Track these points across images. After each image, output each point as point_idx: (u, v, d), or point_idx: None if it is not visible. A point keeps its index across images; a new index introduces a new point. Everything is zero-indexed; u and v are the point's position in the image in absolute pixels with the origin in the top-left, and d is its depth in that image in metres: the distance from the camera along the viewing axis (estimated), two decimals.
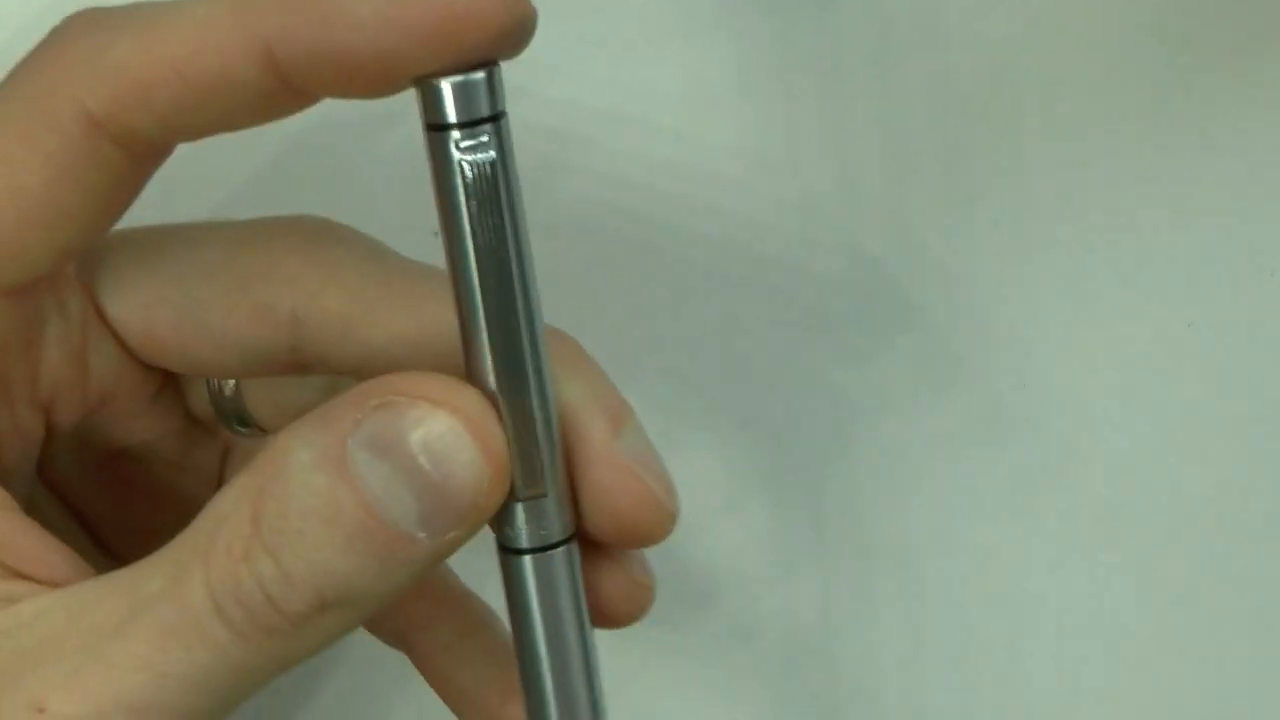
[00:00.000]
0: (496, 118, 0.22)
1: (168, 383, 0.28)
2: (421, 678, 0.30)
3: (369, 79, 0.22)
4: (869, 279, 0.36)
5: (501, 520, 0.24)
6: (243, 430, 0.29)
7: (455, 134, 0.22)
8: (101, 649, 0.22)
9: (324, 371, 0.27)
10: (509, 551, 0.24)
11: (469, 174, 0.22)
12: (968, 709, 0.37)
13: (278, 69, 0.22)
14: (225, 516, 0.22)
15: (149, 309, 0.26)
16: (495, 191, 0.22)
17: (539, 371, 0.23)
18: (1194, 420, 0.34)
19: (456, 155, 0.22)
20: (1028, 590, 0.36)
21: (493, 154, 0.22)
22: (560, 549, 0.24)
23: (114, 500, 0.29)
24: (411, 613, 0.29)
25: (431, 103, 0.22)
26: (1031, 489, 0.35)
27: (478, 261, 0.22)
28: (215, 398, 0.28)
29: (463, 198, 0.22)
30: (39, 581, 0.23)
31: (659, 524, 0.24)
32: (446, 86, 0.22)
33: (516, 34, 0.22)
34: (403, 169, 0.32)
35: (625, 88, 0.34)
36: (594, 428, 0.24)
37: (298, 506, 0.22)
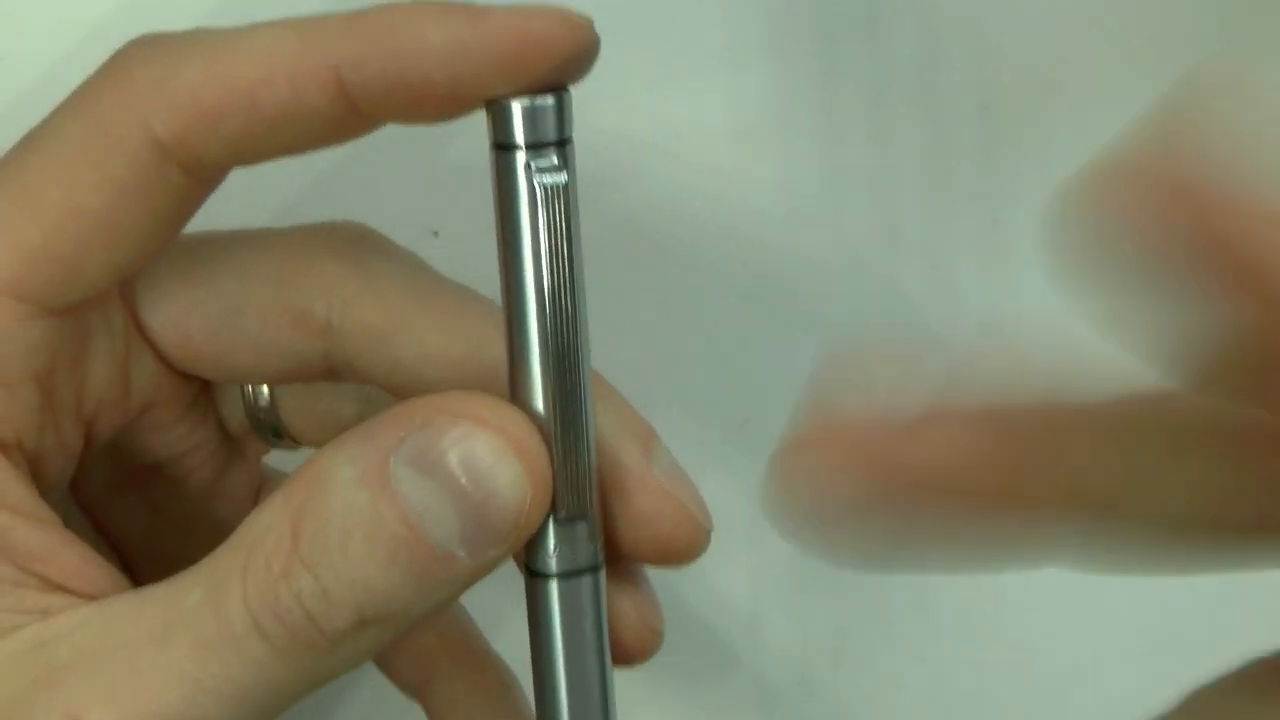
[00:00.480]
0: (564, 142, 0.22)
1: (202, 395, 0.28)
2: None
3: (439, 104, 0.22)
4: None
5: (533, 543, 0.24)
6: (277, 442, 0.29)
7: (523, 155, 0.22)
8: (138, 662, 0.22)
9: (354, 380, 0.27)
10: (537, 575, 0.24)
11: (539, 195, 0.22)
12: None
13: (347, 96, 0.22)
14: (264, 532, 0.22)
15: (186, 316, 0.26)
16: (563, 214, 0.22)
17: (587, 396, 0.23)
18: None
19: (526, 176, 0.22)
20: (1040, 603, 0.36)
21: (564, 177, 0.22)
22: (588, 575, 0.24)
23: (146, 525, 0.29)
24: (431, 666, 0.29)
25: (501, 122, 0.22)
26: None
27: (537, 282, 0.22)
28: (250, 409, 0.28)
29: (527, 218, 0.22)
30: (77, 595, 0.23)
31: (698, 542, 0.25)
32: (517, 107, 0.22)
33: (581, 59, 0.22)
34: (402, 168, 0.32)
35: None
36: (627, 453, 0.24)
37: (339, 523, 0.22)
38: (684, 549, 0.25)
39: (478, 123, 0.23)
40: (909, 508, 0.18)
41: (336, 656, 0.22)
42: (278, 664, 0.22)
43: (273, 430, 0.29)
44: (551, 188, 0.22)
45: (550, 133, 0.22)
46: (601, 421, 0.24)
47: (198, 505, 0.29)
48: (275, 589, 0.22)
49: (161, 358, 0.27)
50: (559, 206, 0.22)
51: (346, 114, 0.23)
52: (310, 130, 0.23)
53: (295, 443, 0.29)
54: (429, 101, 0.22)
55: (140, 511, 0.28)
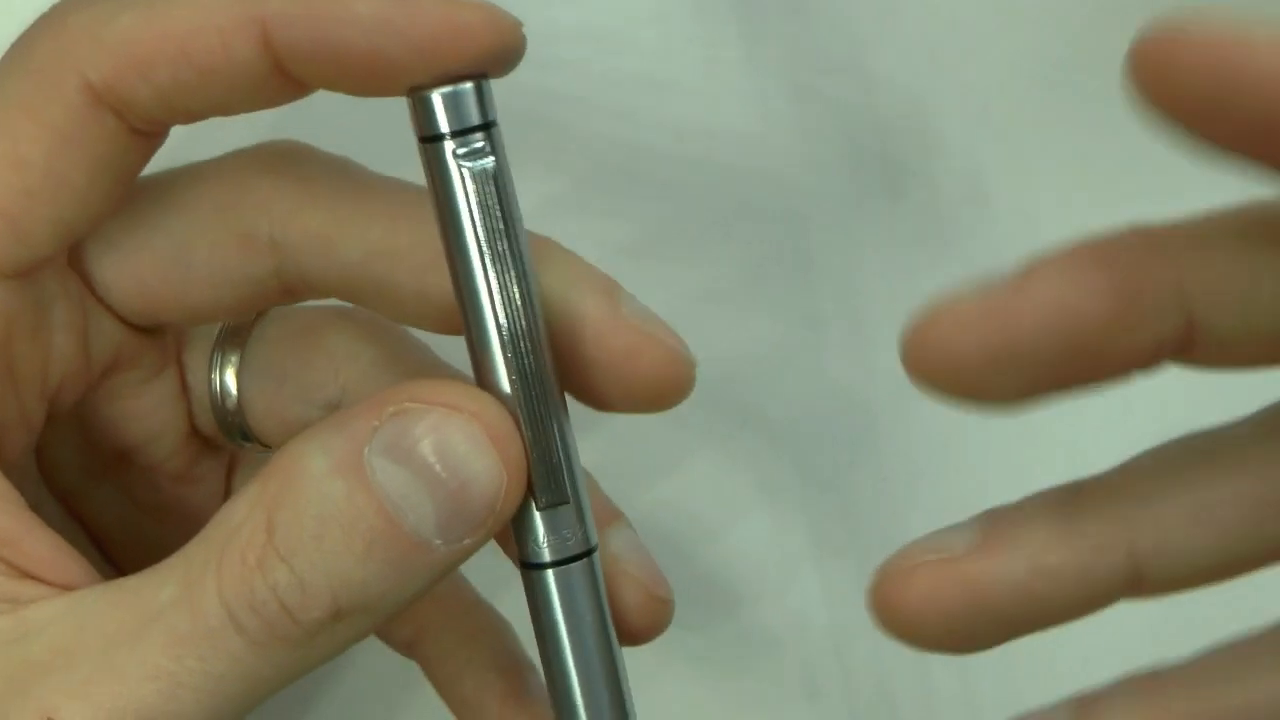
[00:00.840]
0: (488, 126, 0.22)
1: (170, 370, 0.28)
2: (427, 689, 0.30)
3: (360, 77, 0.23)
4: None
5: (523, 535, 0.24)
6: (246, 445, 0.29)
7: (450, 144, 0.22)
8: (113, 658, 0.22)
9: (311, 296, 0.27)
10: (530, 567, 0.24)
11: (469, 182, 0.22)
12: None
13: (274, 54, 0.23)
14: (238, 524, 0.22)
15: (135, 260, 0.26)
16: (496, 197, 0.22)
17: (550, 378, 0.23)
18: (1194, 422, 0.34)
19: (454, 164, 0.22)
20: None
21: (491, 160, 0.22)
22: (581, 561, 0.24)
23: (121, 513, 0.29)
24: (422, 620, 0.29)
25: (424, 114, 0.22)
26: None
27: (483, 268, 0.23)
28: (218, 411, 0.28)
29: (463, 206, 0.22)
30: (47, 583, 0.23)
31: (682, 377, 0.24)
32: (437, 97, 0.22)
33: (504, 57, 0.23)
34: (380, 143, 0.32)
35: None
36: (590, 303, 0.24)
37: (314, 513, 0.22)
38: (668, 386, 0.24)
39: None
40: (1033, 354, 0.19)
41: (314, 648, 0.22)
42: (254, 657, 0.22)
43: (242, 433, 0.29)
44: (481, 172, 0.22)
45: (473, 118, 0.22)
46: (557, 279, 0.24)
47: (172, 494, 0.29)
48: (250, 581, 0.22)
49: (119, 316, 0.26)
50: (491, 190, 0.22)
51: (274, 73, 0.23)
52: (240, 86, 0.23)
53: (265, 446, 0.29)
54: (352, 71, 0.22)
55: (115, 500, 0.28)
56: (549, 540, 0.23)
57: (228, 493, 0.30)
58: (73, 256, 0.26)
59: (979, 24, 0.37)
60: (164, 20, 0.23)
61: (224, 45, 0.23)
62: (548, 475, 0.23)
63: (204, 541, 0.23)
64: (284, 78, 0.23)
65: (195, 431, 0.29)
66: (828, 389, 0.37)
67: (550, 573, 0.24)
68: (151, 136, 0.24)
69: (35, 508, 0.24)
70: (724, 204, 0.37)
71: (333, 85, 0.23)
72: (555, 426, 0.23)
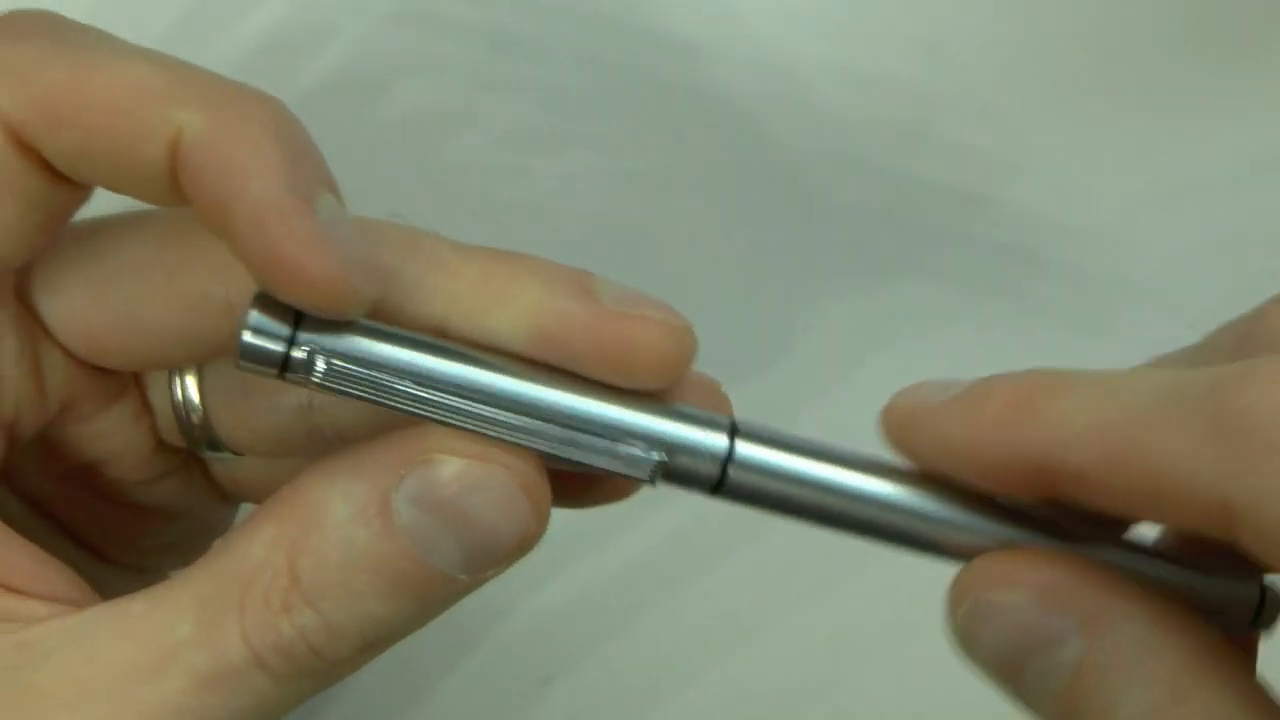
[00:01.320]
0: (294, 333, 0.22)
1: (131, 394, 0.28)
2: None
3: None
4: None
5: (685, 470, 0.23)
6: (215, 455, 0.29)
7: (289, 374, 0.22)
8: (133, 693, 0.22)
9: None
10: (719, 490, 0.23)
11: (327, 381, 0.22)
12: None
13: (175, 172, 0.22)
14: (258, 568, 0.22)
15: (86, 314, 0.26)
16: (357, 370, 0.22)
17: (576, 409, 0.23)
18: None
19: (315, 379, 0.22)
20: None
21: (322, 361, 0.22)
22: (738, 446, 0.23)
23: (88, 509, 0.28)
24: None
25: (256, 360, 0.22)
26: None
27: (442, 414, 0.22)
28: (184, 426, 0.28)
29: (368, 394, 0.22)
30: (34, 597, 0.23)
31: (681, 344, 0.24)
32: (245, 338, 0.22)
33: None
34: (366, 152, 0.31)
35: None
36: (569, 304, 0.23)
37: (338, 559, 0.22)
38: (671, 357, 0.24)
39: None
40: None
41: (335, 675, 0.23)
42: (279, 692, 0.22)
43: (209, 444, 0.28)
44: (326, 366, 0.22)
45: (278, 348, 0.22)
46: (533, 294, 0.24)
47: (143, 493, 0.29)
48: (276, 624, 0.22)
49: (72, 355, 0.26)
50: (363, 368, 0.22)
51: (171, 186, 0.23)
52: (141, 179, 0.23)
53: (235, 454, 0.29)
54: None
55: (84, 499, 0.28)
56: (666, 466, 0.23)
57: (206, 479, 0.29)
58: (23, 296, 0.26)
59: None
60: (90, 87, 0.22)
61: (134, 135, 0.22)
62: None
63: (218, 577, 0.23)
64: (173, 192, 0.23)
65: (161, 444, 0.28)
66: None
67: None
68: (80, 186, 0.24)
69: (2, 512, 0.24)
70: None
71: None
72: (592, 448, 0.23)
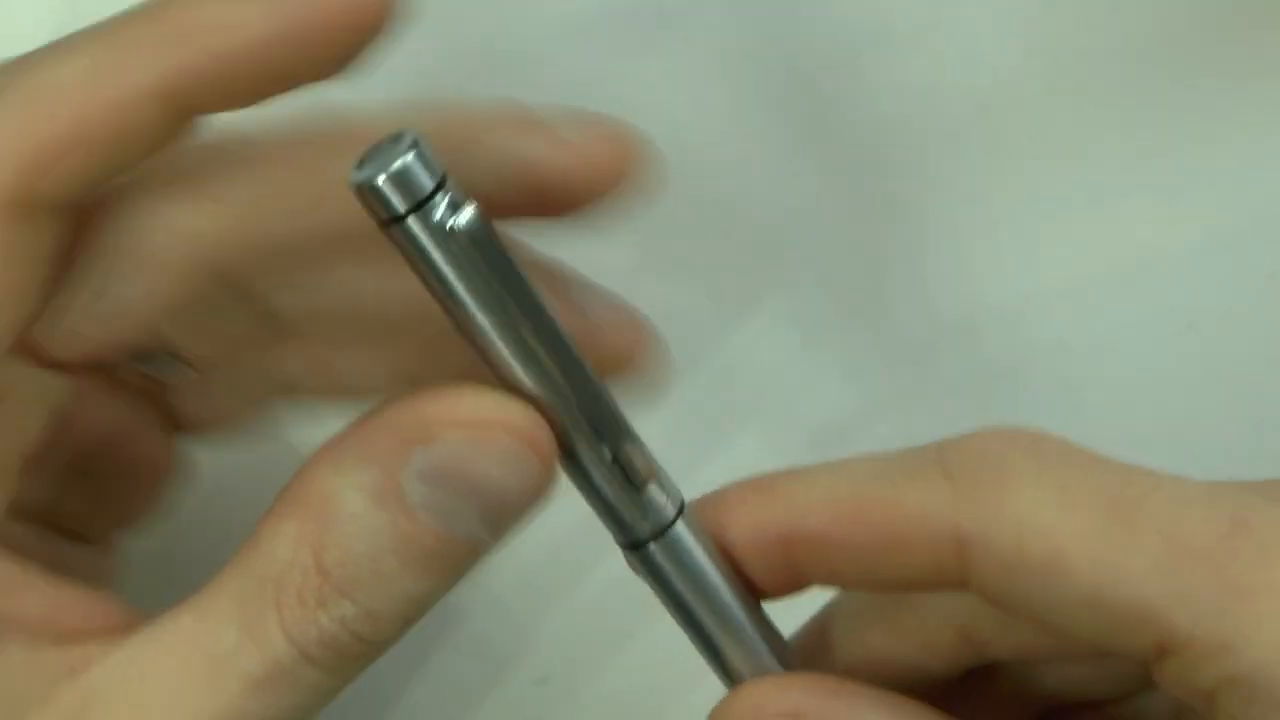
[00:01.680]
0: (441, 185, 0.21)
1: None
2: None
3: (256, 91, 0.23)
4: None
5: (618, 523, 0.24)
6: (176, 369, 0.28)
7: (416, 220, 0.21)
8: (195, 705, 0.22)
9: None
10: (635, 548, 0.24)
11: (451, 251, 0.21)
12: None
13: (175, 107, 0.23)
14: (286, 568, 0.23)
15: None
16: (484, 254, 0.22)
17: (599, 393, 0.23)
18: (1194, 421, 0.34)
19: (429, 236, 0.21)
20: None
21: (466, 214, 0.21)
22: (678, 523, 0.24)
23: (61, 485, 0.28)
24: None
25: (376, 202, 0.21)
26: None
27: (503, 332, 0.22)
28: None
29: (456, 276, 0.22)
30: (89, 634, 0.23)
31: (631, 149, 0.25)
32: (383, 179, 0.21)
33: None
34: None
35: None
36: (530, 146, 0.24)
37: (365, 549, 0.22)
38: (618, 160, 0.25)
39: None
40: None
41: (384, 650, 0.24)
42: (330, 680, 0.23)
43: (168, 363, 0.27)
44: (461, 233, 0.21)
45: (427, 183, 0.21)
46: (497, 141, 0.24)
47: (115, 461, 0.28)
48: (315, 620, 0.23)
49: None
50: (476, 249, 0.21)
51: (175, 118, 0.23)
52: (142, 146, 0.23)
53: (196, 370, 0.28)
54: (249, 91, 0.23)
55: (55, 475, 0.27)
56: (645, 518, 0.24)
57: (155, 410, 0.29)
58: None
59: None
60: (55, 116, 0.22)
61: (121, 120, 0.22)
62: (627, 468, 0.24)
63: (251, 580, 0.23)
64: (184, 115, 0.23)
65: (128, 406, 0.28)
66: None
67: (653, 546, 0.24)
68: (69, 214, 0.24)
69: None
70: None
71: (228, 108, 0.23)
72: (614, 423, 0.23)
